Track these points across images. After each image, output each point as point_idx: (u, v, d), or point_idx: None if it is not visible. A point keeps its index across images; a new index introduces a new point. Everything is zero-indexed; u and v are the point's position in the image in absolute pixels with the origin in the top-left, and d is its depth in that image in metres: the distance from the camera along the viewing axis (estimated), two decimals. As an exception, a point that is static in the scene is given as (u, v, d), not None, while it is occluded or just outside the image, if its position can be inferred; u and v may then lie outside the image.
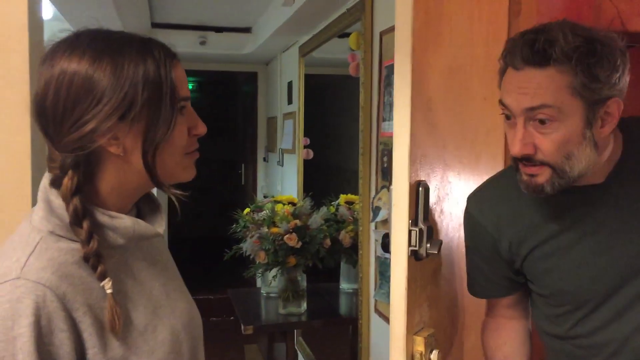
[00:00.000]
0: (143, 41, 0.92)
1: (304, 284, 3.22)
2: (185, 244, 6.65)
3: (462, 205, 1.52)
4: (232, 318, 4.64)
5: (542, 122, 1.10)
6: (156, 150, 0.91)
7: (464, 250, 1.55)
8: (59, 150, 0.89)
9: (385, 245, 1.40)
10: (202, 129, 0.99)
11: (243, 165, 6.67)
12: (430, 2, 1.38)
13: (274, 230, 3.05)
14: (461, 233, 1.53)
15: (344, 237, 3.23)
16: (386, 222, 2.53)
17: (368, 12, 2.74)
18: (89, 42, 0.90)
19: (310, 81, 4.22)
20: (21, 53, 1.49)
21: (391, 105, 2.49)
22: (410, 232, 1.28)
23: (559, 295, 1.26)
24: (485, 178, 1.53)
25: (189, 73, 7.01)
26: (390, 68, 2.48)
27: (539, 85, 1.09)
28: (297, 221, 3.09)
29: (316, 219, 3.12)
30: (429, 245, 1.29)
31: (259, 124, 5.92)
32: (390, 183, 2.44)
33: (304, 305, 3.23)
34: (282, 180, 4.88)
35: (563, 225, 1.23)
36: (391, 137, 2.43)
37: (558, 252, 1.24)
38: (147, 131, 0.90)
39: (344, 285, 3.56)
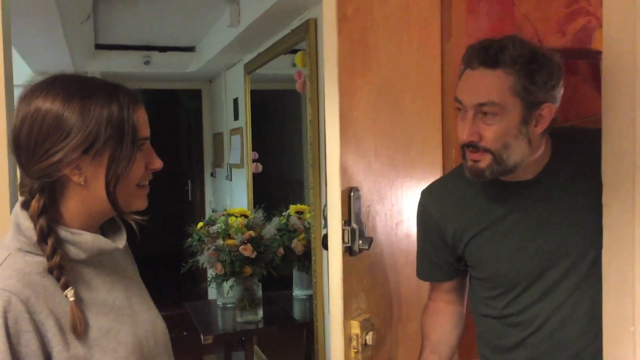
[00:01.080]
0: (111, 87, 1.07)
1: (259, 292, 3.35)
2: (137, 261, 6.63)
3: (396, 206, 1.73)
4: (185, 333, 4.70)
5: (487, 115, 1.31)
6: (117, 181, 1.06)
7: (398, 246, 1.76)
8: (29, 176, 1.04)
9: (325, 243, 1.58)
10: (157, 164, 1.14)
11: (189, 181, 6.74)
12: (354, 34, 1.56)
13: (230, 242, 3.18)
14: (395, 232, 1.74)
15: (297, 245, 3.39)
16: (337, 228, 2.71)
17: (312, 32, 2.93)
18: (62, 85, 1.04)
19: (257, 97, 4.37)
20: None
21: (337, 119, 2.67)
22: (343, 231, 1.46)
23: (495, 278, 1.46)
24: (421, 182, 1.74)
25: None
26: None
27: (489, 84, 1.30)
28: (252, 232, 3.23)
29: (269, 230, 3.27)
30: (360, 242, 1.48)
31: (204, 140, 6.02)
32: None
33: (260, 313, 3.36)
34: (232, 195, 5.00)
35: (498, 216, 1.44)
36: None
37: (494, 240, 1.44)
38: (109, 165, 1.04)
39: (297, 292, 3.71)
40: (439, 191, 1.59)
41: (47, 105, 1.01)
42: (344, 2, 1.49)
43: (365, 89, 1.63)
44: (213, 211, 4.80)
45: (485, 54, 1.32)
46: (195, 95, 6.14)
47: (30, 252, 1.02)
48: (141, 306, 1.17)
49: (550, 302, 1.41)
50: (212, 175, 5.88)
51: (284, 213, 3.67)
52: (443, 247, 1.54)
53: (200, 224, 3.49)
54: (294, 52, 3.28)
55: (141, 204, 1.13)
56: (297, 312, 3.62)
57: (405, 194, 1.80)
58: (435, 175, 1.88)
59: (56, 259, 1.00)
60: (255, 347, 4.32)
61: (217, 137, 5.57)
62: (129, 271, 1.23)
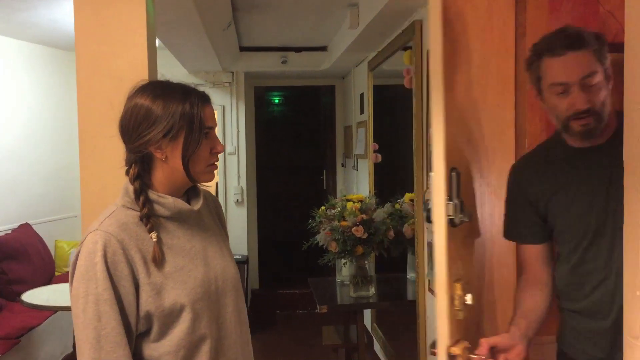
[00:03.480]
0: (187, 90, 1.43)
1: (371, 271, 3.67)
2: (276, 246, 7.24)
3: (489, 185, 1.98)
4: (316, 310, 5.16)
5: (592, 85, 1.58)
6: (189, 158, 1.40)
7: (492, 220, 1.99)
8: (128, 151, 1.43)
9: (428, 217, 1.82)
10: (220, 148, 1.46)
11: (324, 171, 7.22)
12: (452, 34, 1.82)
13: (343, 223, 3.54)
14: (488, 207, 1.99)
15: (406, 229, 3.67)
16: (435, 212, 2.95)
17: (417, 33, 3.18)
18: (152, 88, 1.42)
19: (379, 92, 4.68)
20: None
21: (436, 112, 2.91)
22: (447, 205, 1.70)
23: (568, 231, 1.71)
24: (504, 166, 1.98)
25: (274, 89, 7.60)
26: (436, 80, 2.90)
27: (583, 59, 1.57)
28: (364, 215, 3.56)
29: (380, 214, 3.58)
30: (461, 215, 1.72)
31: (337, 133, 6.45)
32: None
33: (372, 290, 3.68)
34: (357, 183, 5.37)
35: (573, 178, 1.72)
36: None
37: (568, 198, 1.71)
38: (184, 146, 1.39)
39: (411, 275, 3.98)
40: (525, 163, 1.88)
41: (142, 101, 1.39)
42: (448, 7, 1.76)
43: (461, 83, 1.89)
44: (342, 198, 5.19)
45: (569, 40, 1.59)
46: (330, 91, 6.59)
47: (130, 208, 1.41)
48: (215, 254, 1.51)
49: (612, 251, 1.63)
50: (342, 165, 6.30)
51: (399, 200, 3.95)
52: (528, 208, 1.81)
53: (323, 208, 3.87)
54: (408, 49, 3.54)
55: (209, 177, 1.47)
56: (410, 291, 3.89)
57: (496, 174, 2.03)
58: (511, 160, 2.09)
59: (145, 210, 1.39)
60: (375, 324, 4.67)
61: (348, 130, 5.97)
62: (210, 226, 1.57)
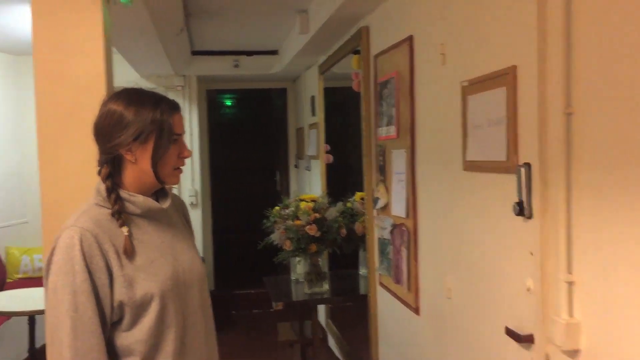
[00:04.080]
0: (158, 98, 1.53)
1: (325, 268, 3.81)
2: (231, 251, 7.30)
3: None
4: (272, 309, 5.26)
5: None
6: (158, 161, 1.50)
7: None
8: (101, 153, 1.53)
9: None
10: (186, 153, 1.57)
11: (278, 172, 7.32)
12: None
13: (297, 222, 3.66)
14: None
15: (358, 227, 3.81)
16: (384, 208, 3.11)
17: (365, 38, 3.34)
18: (126, 95, 1.53)
19: (331, 94, 4.82)
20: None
21: (383, 114, 3.07)
22: None
23: None
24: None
25: (227, 92, 7.63)
26: (383, 84, 3.06)
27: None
28: (317, 214, 3.69)
29: (332, 212, 3.72)
30: None
31: (289, 134, 6.57)
32: (385, 178, 3.03)
33: (326, 286, 3.82)
34: (310, 183, 5.50)
35: None
36: (385, 140, 3.02)
37: None
38: (153, 150, 1.49)
39: (363, 271, 4.13)
40: None
41: (115, 107, 1.50)
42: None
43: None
44: (295, 199, 5.31)
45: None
46: (282, 93, 6.71)
47: (102, 206, 1.51)
48: (183, 249, 1.62)
49: None
50: (295, 166, 6.42)
51: (350, 199, 4.09)
52: None
53: (277, 208, 3.98)
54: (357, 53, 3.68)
55: (175, 180, 1.58)
56: (362, 286, 4.04)
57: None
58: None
59: (116, 207, 1.49)
60: (329, 320, 4.81)
61: (300, 132, 6.09)
62: (178, 224, 1.68)
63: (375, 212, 3.29)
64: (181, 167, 1.59)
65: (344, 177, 4.94)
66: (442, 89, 2.35)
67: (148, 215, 1.56)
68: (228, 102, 9.19)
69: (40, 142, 2.19)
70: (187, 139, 5.21)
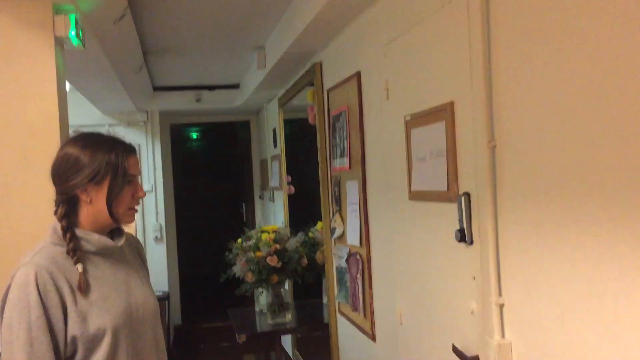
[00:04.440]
0: (113, 141, 1.62)
1: (287, 298, 3.86)
2: (197, 280, 7.28)
3: None
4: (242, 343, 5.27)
5: None
6: (112, 202, 1.58)
7: None
8: (57, 193, 1.60)
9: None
10: (141, 193, 1.65)
11: (243, 204, 7.37)
12: None
13: (258, 253, 3.72)
14: None
15: (319, 256, 3.88)
16: (341, 238, 3.19)
17: (318, 73, 3.45)
18: (83, 139, 1.62)
19: (292, 125, 4.92)
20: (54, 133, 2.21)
21: (336, 146, 3.17)
22: None
23: None
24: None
25: (191, 125, 7.66)
26: (336, 117, 3.17)
27: None
28: (277, 245, 3.76)
29: (292, 243, 3.78)
30: None
31: (253, 166, 6.64)
32: (341, 208, 3.12)
33: (289, 316, 3.86)
34: (274, 214, 5.56)
35: None
36: (339, 171, 3.11)
37: None
38: (108, 190, 1.57)
39: (326, 299, 4.18)
40: None
41: (71, 150, 1.58)
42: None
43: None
44: (260, 230, 5.36)
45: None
46: (245, 126, 6.79)
47: (57, 244, 1.56)
48: (137, 286, 1.68)
49: None
50: (260, 197, 6.48)
51: (311, 229, 4.17)
52: None
53: (239, 240, 4.03)
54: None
55: (129, 219, 1.65)
56: (325, 315, 4.08)
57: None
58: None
59: (71, 245, 1.54)
60: (295, 351, 4.83)
61: (264, 163, 6.17)
62: (133, 262, 1.75)
63: (332, 242, 3.37)
64: (135, 207, 1.66)
65: (306, 207, 5.01)
66: (387, 122, 2.45)
67: (103, 252, 1.62)
68: (194, 135, 9.25)
69: (-7, 184, 2.23)
70: (150, 173, 5.27)
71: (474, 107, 1.72)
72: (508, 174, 1.59)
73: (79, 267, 1.54)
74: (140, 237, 5.85)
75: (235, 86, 5.71)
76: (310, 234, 4.11)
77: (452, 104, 1.86)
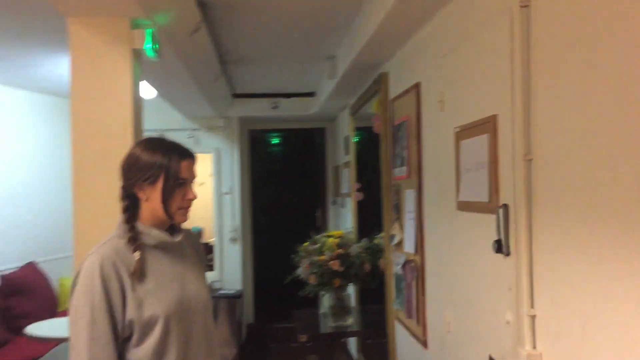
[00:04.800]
0: (172, 146, 1.75)
1: (349, 302, 3.94)
2: (271, 281, 7.49)
3: None
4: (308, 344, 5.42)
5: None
6: (165, 202, 1.72)
7: None
8: (121, 189, 1.76)
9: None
10: (190, 196, 1.76)
11: (318, 209, 7.52)
12: None
13: (321, 257, 3.83)
14: None
15: (382, 263, 3.94)
16: (399, 245, 3.25)
17: (384, 83, 3.53)
18: (147, 142, 1.78)
19: (363, 134, 5.01)
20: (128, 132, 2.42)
21: (397, 155, 3.24)
22: None
23: None
24: None
25: (270, 130, 7.81)
26: (398, 127, 3.24)
27: None
28: (341, 250, 3.85)
29: (355, 248, 3.86)
30: None
31: (327, 172, 6.78)
32: (399, 216, 3.18)
33: (350, 320, 3.94)
34: (345, 220, 5.67)
35: None
36: (399, 180, 3.18)
37: None
38: (161, 191, 1.71)
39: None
40: None
41: (135, 151, 1.76)
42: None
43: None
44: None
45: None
46: (321, 133, 6.95)
47: (122, 237, 1.72)
48: (192, 279, 1.82)
49: None
50: (333, 203, 6.60)
51: (377, 236, 4.23)
52: None
53: (306, 244, 4.16)
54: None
55: (182, 218, 1.79)
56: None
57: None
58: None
59: (130, 235, 1.71)
60: (360, 353, 4.90)
61: (336, 170, 6.29)
62: (190, 257, 1.88)
63: (392, 249, 3.43)
64: (187, 207, 1.78)
65: (374, 214, 5.08)
66: (441, 133, 2.50)
67: (162, 246, 1.77)
68: (275, 141, 9.52)
69: (74, 180, 2.47)
70: (228, 176, 5.51)
71: (513, 121, 1.75)
72: (543, 188, 1.62)
73: (136, 254, 1.69)
74: (216, 237, 6.13)
75: (311, 94, 5.86)
76: (376, 241, 4.17)
77: (494, 117, 1.90)
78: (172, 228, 1.84)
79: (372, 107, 3.78)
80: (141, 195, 1.74)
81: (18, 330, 4.44)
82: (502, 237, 1.84)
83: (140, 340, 1.68)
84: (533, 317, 1.67)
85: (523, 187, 1.69)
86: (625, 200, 1.27)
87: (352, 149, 5.03)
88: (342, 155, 5.71)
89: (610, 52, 1.31)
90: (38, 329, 4.06)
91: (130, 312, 1.66)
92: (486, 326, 2.03)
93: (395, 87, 3.38)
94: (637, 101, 1.23)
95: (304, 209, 8.21)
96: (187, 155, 1.78)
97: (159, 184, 1.72)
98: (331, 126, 6.76)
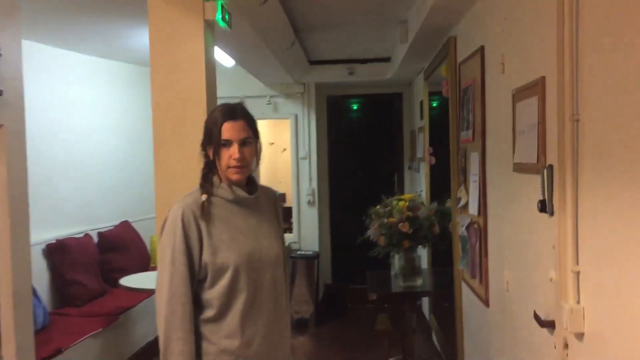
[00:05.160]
0: (220, 109, 1.91)
1: (419, 263, 4.04)
2: (348, 244, 7.68)
3: None
4: (386, 305, 5.59)
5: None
6: (217, 160, 1.89)
7: None
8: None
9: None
10: (234, 155, 1.86)
11: (395, 173, 7.58)
12: None
13: (391, 220, 3.93)
14: None
15: (452, 226, 4.00)
16: (465, 208, 3.30)
17: (452, 47, 3.54)
18: (214, 107, 1.96)
19: (437, 98, 5.01)
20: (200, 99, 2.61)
21: (464, 119, 3.26)
22: None
23: None
24: None
25: (347, 96, 7.85)
26: (464, 90, 3.26)
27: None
28: (410, 213, 3.94)
29: (424, 211, 3.94)
30: None
31: (404, 137, 6.82)
32: (465, 179, 3.23)
33: (420, 281, 4.04)
34: (420, 184, 5.72)
35: None
36: (465, 143, 3.21)
37: None
38: (212, 151, 1.88)
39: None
40: None
41: (207, 116, 1.97)
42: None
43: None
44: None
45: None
46: (398, 98, 6.97)
47: (202, 189, 1.92)
48: (264, 233, 1.97)
49: None
50: (409, 167, 6.65)
51: (447, 200, 4.28)
52: None
53: (377, 207, 4.28)
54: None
55: (233, 177, 1.90)
56: (456, 283, 4.21)
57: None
58: None
59: (201, 183, 1.91)
60: (432, 315, 5.01)
61: (412, 135, 6.32)
62: (267, 213, 2.03)
63: (458, 211, 3.48)
64: (236, 167, 1.89)
65: (446, 179, 5.11)
66: (501, 96, 2.53)
67: (237, 201, 1.93)
68: (354, 106, 9.61)
69: (155, 144, 2.70)
70: (305, 141, 5.68)
71: (561, 83, 1.78)
72: (588, 148, 1.65)
73: (203, 197, 1.88)
74: (294, 200, 6.36)
75: (387, 59, 5.89)
76: (447, 204, 4.22)
77: (543, 79, 1.92)
78: (251, 186, 1.99)
79: (442, 71, 3.79)
80: (209, 154, 1.91)
81: (114, 283, 4.86)
82: (547, 197, 1.89)
83: (213, 283, 1.87)
84: (577, 274, 1.71)
85: (569, 148, 1.72)
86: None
87: (426, 114, 5.05)
88: (418, 120, 5.74)
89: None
90: (132, 281, 4.43)
91: (206, 257, 1.85)
92: (532, 284, 2.08)
93: (462, 51, 3.39)
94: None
95: (381, 174, 8.29)
96: (230, 118, 1.89)
97: (212, 145, 1.89)
98: (408, 91, 6.76)
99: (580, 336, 1.71)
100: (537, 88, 1.98)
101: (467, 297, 3.43)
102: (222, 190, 1.91)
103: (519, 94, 2.22)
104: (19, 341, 3.08)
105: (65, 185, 4.95)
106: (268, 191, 2.10)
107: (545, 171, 1.88)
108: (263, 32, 3.67)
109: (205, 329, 1.89)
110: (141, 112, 5.92)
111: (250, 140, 1.91)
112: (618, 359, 1.51)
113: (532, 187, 2.07)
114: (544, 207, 1.89)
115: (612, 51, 1.51)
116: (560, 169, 1.79)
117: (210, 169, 1.92)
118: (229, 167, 1.89)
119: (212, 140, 1.88)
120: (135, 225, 5.63)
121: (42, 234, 4.47)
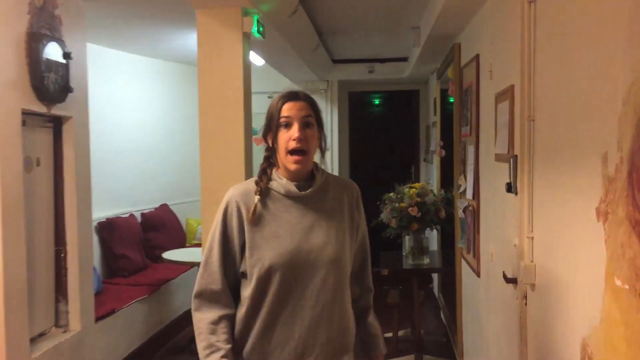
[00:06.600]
0: (281, 94, 1.75)
1: (426, 244, 4.55)
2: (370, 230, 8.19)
3: None
4: (400, 287, 6.09)
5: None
6: (275, 144, 1.73)
7: None
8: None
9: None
10: (294, 135, 1.68)
11: (412, 165, 8.08)
12: None
13: (402, 204, 4.45)
14: None
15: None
16: (464, 193, 3.80)
17: (457, 52, 4.02)
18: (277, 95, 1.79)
19: (447, 95, 5.49)
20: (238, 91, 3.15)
21: (464, 116, 3.75)
22: None
23: None
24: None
25: (368, 92, 8.37)
26: (465, 91, 3.75)
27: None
28: (419, 199, 4.45)
29: (431, 197, 4.44)
30: None
31: (420, 131, 7.31)
32: (465, 169, 3.72)
33: (427, 259, 4.56)
34: (432, 175, 6.21)
35: None
36: (465, 137, 3.71)
37: None
38: (272, 134, 1.73)
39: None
40: None
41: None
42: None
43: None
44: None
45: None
46: (416, 94, 7.46)
47: (257, 181, 1.78)
48: (320, 233, 1.73)
49: None
50: (424, 160, 7.14)
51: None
52: None
53: (390, 194, 4.79)
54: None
55: (291, 165, 1.71)
56: (461, 263, 4.70)
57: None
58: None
59: (258, 179, 1.76)
60: (440, 293, 5.50)
61: (427, 129, 6.81)
62: (331, 210, 1.78)
63: (458, 196, 3.98)
64: (295, 152, 1.70)
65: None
66: (489, 98, 3.02)
67: (290, 196, 1.74)
68: (376, 102, 10.11)
69: (200, 136, 3.25)
70: (328, 134, 6.20)
71: (522, 90, 2.27)
72: (540, 142, 2.14)
73: (256, 198, 1.73)
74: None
75: (404, 59, 6.38)
76: (454, 191, 4.72)
77: (512, 86, 2.42)
78: (311, 180, 1.78)
79: (448, 73, 4.28)
80: (269, 142, 1.76)
81: (154, 259, 5.47)
82: (512, 180, 2.39)
83: (249, 280, 1.73)
84: (531, 239, 2.21)
85: (527, 142, 2.22)
86: (579, 155, 1.77)
87: (438, 110, 5.54)
88: (432, 115, 6.22)
89: (582, 44, 1.81)
90: (172, 255, 5.01)
91: (245, 251, 1.72)
92: (505, 251, 2.59)
93: (464, 57, 3.87)
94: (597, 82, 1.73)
95: (400, 165, 8.81)
96: (291, 97, 1.73)
97: (272, 129, 1.74)
98: (424, 88, 7.25)
99: (532, 287, 2.21)
100: (509, 93, 2.48)
101: (465, 271, 3.93)
102: (276, 184, 1.74)
103: (499, 97, 2.71)
104: (82, 300, 3.68)
105: (113, 170, 5.55)
106: (344, 184, 1.88)
107: (511, 160, 2.38)
108: (291, 38, 4.20)
109: (238, 327, 1.76)
110: (181, 106, 6.52)
111: (313, 122, 1.74)
112: (559, 302, 2.00)
113: (506, 173, 2.57)
114: (510, 188, 2.39)
115: (559, 66, 2.00)
116: (521, 158, 2.29)
117: (269, 164, 1.77)
118: (287, 152, 1.71)
119: (272, 125, 1.73)
120: (173, 208, 6.23)
121: (94, 212, 5.07)
